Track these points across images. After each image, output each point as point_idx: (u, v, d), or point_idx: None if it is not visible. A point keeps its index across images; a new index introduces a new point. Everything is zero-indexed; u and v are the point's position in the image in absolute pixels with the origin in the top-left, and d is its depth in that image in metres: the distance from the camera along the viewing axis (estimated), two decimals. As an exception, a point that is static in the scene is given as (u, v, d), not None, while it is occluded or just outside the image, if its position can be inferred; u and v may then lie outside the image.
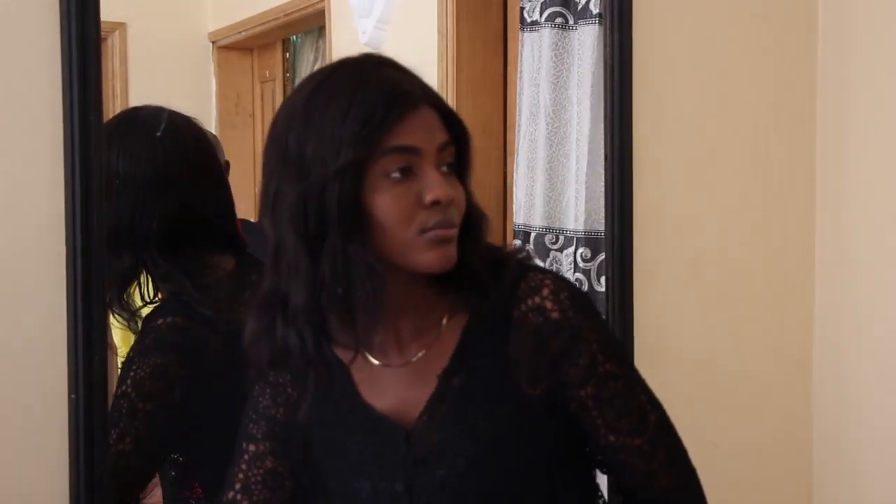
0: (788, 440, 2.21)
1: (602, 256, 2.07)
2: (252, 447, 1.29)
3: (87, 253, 1.54)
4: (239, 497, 1.29)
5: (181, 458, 1.66)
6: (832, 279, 2.17)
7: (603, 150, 1.99)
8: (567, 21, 2.14)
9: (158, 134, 1.61)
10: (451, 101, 1.96)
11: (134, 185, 1.57)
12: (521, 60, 2.22)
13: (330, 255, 1.12)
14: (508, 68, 2.39)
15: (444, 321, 1.22)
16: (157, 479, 1.84)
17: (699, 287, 2.10)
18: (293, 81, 2.97)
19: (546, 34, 2.17)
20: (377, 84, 1.13)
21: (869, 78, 2.09)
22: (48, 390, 1.55)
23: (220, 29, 2.94)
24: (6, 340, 1.54)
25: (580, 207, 2.12)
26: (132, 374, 1.54)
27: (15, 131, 1.55)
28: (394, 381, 1.22)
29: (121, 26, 2.68)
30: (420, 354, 1.22)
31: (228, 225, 1.69)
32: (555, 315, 1.18)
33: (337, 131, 1.11)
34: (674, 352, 2.05)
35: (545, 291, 1.19)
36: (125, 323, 1.61)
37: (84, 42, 1.54)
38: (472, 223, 1.20)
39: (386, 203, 1.12)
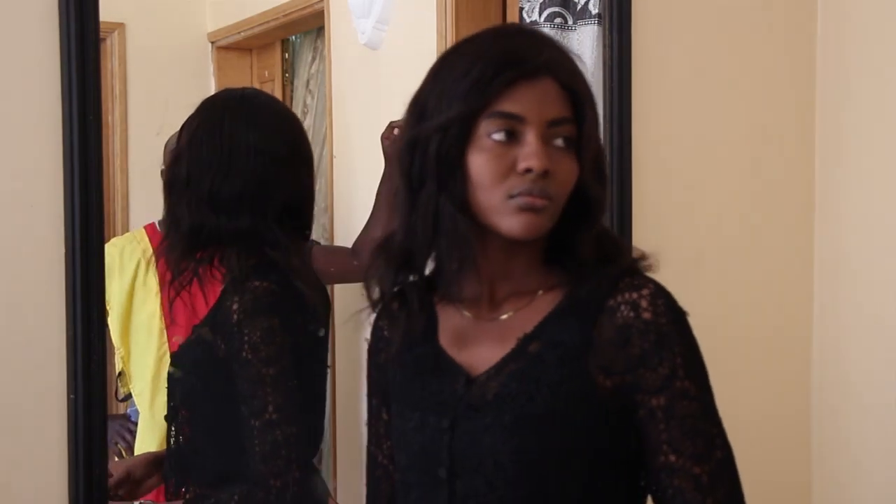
0: (788, 437, 2.21)
1: (602, 256, 2.07)
2: (374, 401, 1.34)
3: (87, 253, 1.54)
4: (375, 451, 1.34)
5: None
6: (831, 276, 2.17)
7: (603, 150, 1.99)
8: (566, 21, 2.14)
9: (287, 113, 1.78)
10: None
11: (264, 156, 1.66)
12: (520, 60, 2.22)
13: (423, 204, 1.18)
14: (508, 68, 2.39)
15: (540, 293, 1.24)
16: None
17: (699, 286, 2.09)
18: (292, 82, 2.97)
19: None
20: (500, 48, 1.17)
21: (869, 77, 2.09)
22: (48, 390, 1.55)
23: (219, 29, 2.94)
24: (6, 340, 1.54)
25: (580, 207, 2.11)
26: (246, 337, 1.58)
27: (15, 131, 1.55)
28: (475, 335, 1.24)
29: (120, 26, 2.68)
30: (508, 315, 1.24)
31: (311, 218, 1.78)
32: (647, 315, 1.18)
33: (453, 87, 1.16)
34: (673, 352, 2.04)
35: (645, 291, 1.19)
36: (234, 273, 1.63)
37: (83, 42, 1.54)
38: (586, 205, 1.21)
39: (482, 163, 1.15)
